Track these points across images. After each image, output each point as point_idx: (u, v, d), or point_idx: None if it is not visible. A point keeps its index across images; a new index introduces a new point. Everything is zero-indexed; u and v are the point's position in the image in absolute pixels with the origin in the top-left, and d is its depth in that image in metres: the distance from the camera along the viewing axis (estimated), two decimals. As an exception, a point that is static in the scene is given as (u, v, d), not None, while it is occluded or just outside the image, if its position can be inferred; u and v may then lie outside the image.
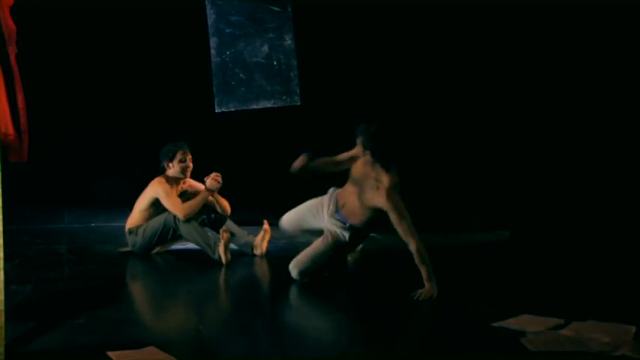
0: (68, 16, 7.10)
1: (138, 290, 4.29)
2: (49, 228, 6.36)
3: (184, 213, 4.76)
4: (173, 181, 5.04)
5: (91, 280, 4.42)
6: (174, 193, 4.93)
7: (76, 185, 7.90)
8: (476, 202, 6.62)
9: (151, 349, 2.89)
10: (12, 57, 3.02)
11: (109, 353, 2.82)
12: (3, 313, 2.78)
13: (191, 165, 5.08)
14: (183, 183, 5.09)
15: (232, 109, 6.19)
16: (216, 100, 6.14)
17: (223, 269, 4.56)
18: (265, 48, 6.25)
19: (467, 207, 6.66)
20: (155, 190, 4.95)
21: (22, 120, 3.08)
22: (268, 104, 6.21)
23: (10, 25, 3.00)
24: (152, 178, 5.32)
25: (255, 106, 6.22)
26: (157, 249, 5.04)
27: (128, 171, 6.76)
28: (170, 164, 5.04)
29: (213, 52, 6.20)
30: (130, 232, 5.01)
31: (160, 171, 5.14)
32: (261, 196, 7.59)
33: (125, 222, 5.24)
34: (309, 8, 6.50)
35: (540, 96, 5.65)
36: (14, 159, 3.10)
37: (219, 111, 6.16)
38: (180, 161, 5.01)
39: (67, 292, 3.98)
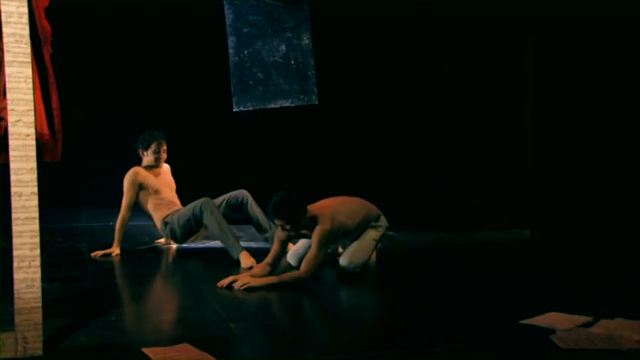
0: (83, 15, 7.16)
1: (164, 288, 4.33)
2: (67, 227, 6.40)
3: (120, 215, 5.05)
4: (147, 169, 5.19)
5: (115, 277, 4.47)
6: (132, 192, 5.08)
7: (93, 185, 7.95)
8: (489, 201, 6.65)
9: (185, 345, 2.92)
10: (47, 57, 3.06)
11: (144, 350, 2.85)
12: (40, 310, 2.83)
13: (165, 156, 5.24)
14: (159, 170, 5.23)
15: (250, 109, 6.21)
16: (234, 99, 6.15)
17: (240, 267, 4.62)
18: (283, 47, 6.27)
19: (480, 207, 6.69)
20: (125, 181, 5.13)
21: (57, 120, 3.13)
22: (286, 103, 6.22)
23: (45, 27, 3.04)
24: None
25: (272, 106, 6.23)
26: (194, 237, 5.11)
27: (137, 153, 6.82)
28: (145, 153, 5.20)
29: (231, 51, 6.20)
30: (165, 224, 5.08)
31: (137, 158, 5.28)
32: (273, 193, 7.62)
33: (142, 221, 5.34)
34: (326, 8, 6.53)
35: (560, 93, 5.66)
36: (49, 158, 3.14)
37: (237, 110, 6.17)
38: (154, 152, 5.17)
39: (94, 289, 4.02)
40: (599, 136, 5.45)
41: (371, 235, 4.47)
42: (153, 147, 5.16)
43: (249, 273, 4.11)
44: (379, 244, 4.60)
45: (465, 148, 6.91)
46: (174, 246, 5.29)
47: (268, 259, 4.17)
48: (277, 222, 4.10)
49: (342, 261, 4.36)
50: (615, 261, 4.79)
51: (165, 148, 5.22)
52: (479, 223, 6.39)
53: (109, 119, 7.82)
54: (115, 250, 4.95)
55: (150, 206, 5.15)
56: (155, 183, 5.15)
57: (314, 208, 4.21)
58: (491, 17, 6.44)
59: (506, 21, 6.32)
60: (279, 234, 4.22)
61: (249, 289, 3.83)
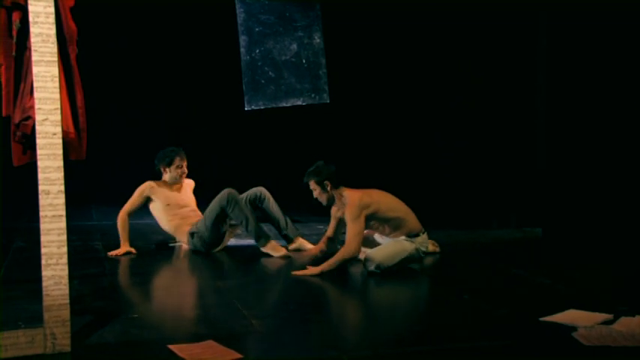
0: (96, 16, 7.19)
1: (182, 285, 4.35)
2: (79, 225, 6.44)
3: (119, 217, 5.06)
4: (167, 185, 5.19)
5: (133, 275, 4.49)
6: (137, 202, 5.10)
7: (103, 183, 7.98)
8: (496, 200, 6.68)
9: (210, 342, 2.95)
10: (72, 57, 3.08)
11: (170, 347, 2.88)
12: (68, 307, 2.85)
13: (186, 171, 5.22)
14: (180, 186, 5.24)
15: (262, 107, 6.23)
16: (245, 97, 6.17)
17: (263, 263, 4.66)
18: (294, 46, 6.29)
19: (488, 205, 6.72)
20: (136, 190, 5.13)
21: (82, 119, 3.15)
22: (297, 102, 6.25)
23: (71, 26, 3.06)
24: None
25: (284, 104, 6.25)
26: (221, 246, 5.08)
27: (155, 170, 6.87)
28: (167, 169, 5.18)
29: (242, 50, 6.23)
30: (192, 234, 5.03)
31: (156, 174, 5.26)
32: (288, 192, 7.63)
33: (152, 219, 5.37)
34: (337, 7, 6.56)
35: (572, 92, 5.68)
36: (74, 157, 3.17)
37: (249, 109, 6.20)
38: (178, 167, 5.16)
39: (113, 287, 4.05)
40: (611, 134, 5.47)
41: (403, 245, 4.37)
42: (176, 162, 5.15)
43: (315, 249, 4.67)
44: (408, 262, 4.43)
45: (476, 147, 6.93)
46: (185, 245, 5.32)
47: (329, 232, 4.64)
48: (310, 186, 4.48)
49: (365, 255, 4.38)
50: (631, 258, 4.81)
51: (185, 162, 5.21)
52: (486, 222, 6.42)
53: (116, 119, 7.85)
54: (126, 249, 4.96)
55: (165, 222, 5.13)
56: (169, 197, 5.12)
57: (350, 189, 4.43)
58: (503, 17, 6.47)
59: (518, 21, 6.35)
60: (332, 211, 4.61)
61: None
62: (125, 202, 7.35)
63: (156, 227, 6.09)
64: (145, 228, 6.25)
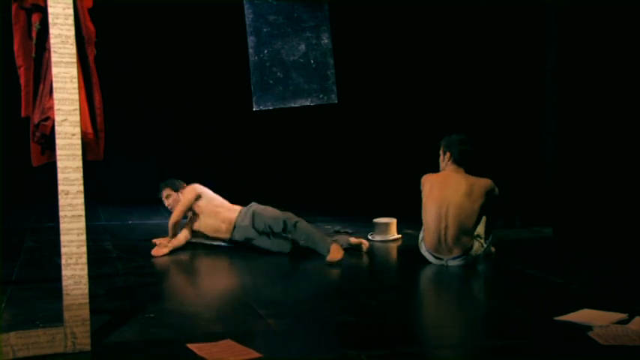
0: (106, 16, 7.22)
1: (194, 285, 4.37)
2: (88, 225, 6.43)
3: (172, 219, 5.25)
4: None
5: (145, 275, 4.50)
6: (183, 209, 5.26)
7: (110, 183, 7.99)
8: (502, 199, 6.68)
9: (228, 341, 2.97)
10: (91, 58, 3.10)
11: (189, 345, 2.90)
12: (88, 306, 2.87)
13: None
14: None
15: (270, 108, 6.25)
16: (253, 98, 6.19)
17: (277, 263, 4.68)
18: (302, 47, 6.31)
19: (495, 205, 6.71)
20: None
21: (99, 119, 3.17)
22: (305, 102, 6.26)
23: (89, 27, 3.08)
24: (188, 177, 5.60)
25: (292, 105, 6.27)
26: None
27: (161, 171, 6.87)
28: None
29: (250, 51, 6.25)
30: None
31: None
32: (296, 193, 7.65)
33: (159, 219, 5.44)
34: (345, 7, 6.59)
35: (581, 91, 5.68)
36: (91, 157, 3.18)
37: (257, 109, 6.21)
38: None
39: (127, 287, 4.06)
40: (622, 130, 5.46)
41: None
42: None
43: None
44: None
45: (483, 146, 6.94)
46: (195, 241, 5.36)
47: None
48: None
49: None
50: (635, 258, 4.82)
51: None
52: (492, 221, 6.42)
53: (123, 119, 7.85)
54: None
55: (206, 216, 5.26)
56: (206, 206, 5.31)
57: (452, 171, 4.73)
58: (509, 16, 6.49)
59: (525, 19, 6.37)
60: None
61: None
62: (131, 201, 7.42)
63: (163, 227, 6.12)
64: (153, 228, 6.27)
